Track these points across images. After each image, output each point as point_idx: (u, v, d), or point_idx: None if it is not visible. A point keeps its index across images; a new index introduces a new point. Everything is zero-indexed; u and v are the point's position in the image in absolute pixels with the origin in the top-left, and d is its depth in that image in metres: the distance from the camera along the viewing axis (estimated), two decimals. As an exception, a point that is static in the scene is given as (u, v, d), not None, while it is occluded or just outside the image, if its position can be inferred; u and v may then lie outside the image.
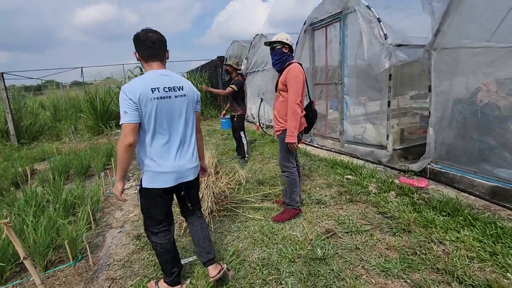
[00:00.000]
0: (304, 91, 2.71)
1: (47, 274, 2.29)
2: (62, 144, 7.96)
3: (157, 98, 1.62)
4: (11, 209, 3.18)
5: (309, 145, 5.62)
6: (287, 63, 2.68)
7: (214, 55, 10.58)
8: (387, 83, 3.87)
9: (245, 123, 8.99)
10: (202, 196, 3.20)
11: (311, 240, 2.43)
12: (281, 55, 2.70)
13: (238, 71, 4.98)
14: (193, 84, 7.49)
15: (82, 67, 9.08)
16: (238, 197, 3.33)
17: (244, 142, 4.88)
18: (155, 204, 1.77)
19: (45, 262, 2.34)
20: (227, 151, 5.83)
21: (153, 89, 1.62)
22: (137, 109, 1.59)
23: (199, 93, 1.93)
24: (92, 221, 2.90)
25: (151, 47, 1.71)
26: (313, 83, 5.47)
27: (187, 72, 12.60)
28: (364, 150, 4.38)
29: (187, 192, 1.91)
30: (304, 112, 2.83)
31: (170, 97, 1.69)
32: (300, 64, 2.69)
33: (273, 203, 3.17)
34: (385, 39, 3.70)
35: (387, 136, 4.01)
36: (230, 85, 4.73)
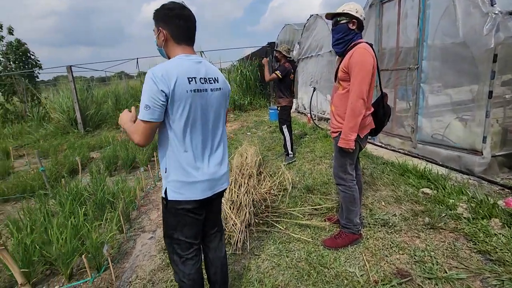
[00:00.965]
0: (374, 81, 2.01)
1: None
2: (119, 132, 8.39)
3: (194, 90, 1.26)
4: (55, 203, 3.19)
5: (370, 143, 4.76)
6: (353, 43, 2.01)
7: (267, 41, 10.01)
8: (490, 67, 2.85)
9: (296, 114, 8.37)
10: (240, 204, 2.76)
11: (376, 284, 1.80)
12: (346, 32, 2.02)
13: (287, 59, 4.39)
14: (243, 73, 7.20)
15: (137, 58, 9.41)
16: (281, 209, 2.80)
17: (287, 137, 4.34)
18: (184, 223, 1.39)
19: (70, 270, 2.18)
20: (274, 146, 5.32)
21: (190, 79, 1.26)
22: (164, 104, 1.21)
23: (230, 87, 1.52)
24: (123, 224, 2.69)
25: (190, 27, 1.34)
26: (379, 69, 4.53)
27: (238, 61, 12.30)
28: (446, 155, 3.42)
29: (214, 205, 1.54)
30: (371, 110, 2.14)
31: (206, 90, 1.32)
32: (371, 45, 1.99)
33: (324, 221, 2.57)
34: (491, 5, 2.68)
35: (484, 137, 3.00)
36: (275, 71, 4.19)
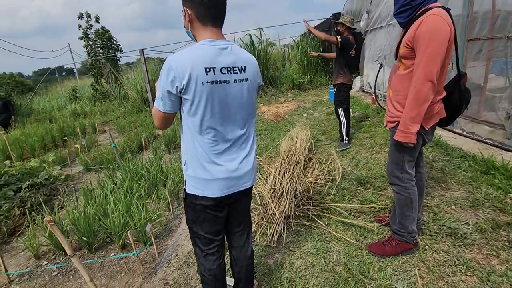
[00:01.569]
0: (449, 58, 1.57)
1: (115, 258, 2.36)
2: (182, 111, 8.97)
3: (211, 82, 1.15)
4: (121, 179, 3.57)
5: (446, 129, 4.00)
6: (422, 9, 1.57)
7: (332, 12, 9.19)
8: None
9: (360, 93, 7.59)
10: (282, 192, 2.64)
11: (428, 308, 1.50)
12: None
13: (352, 31, 3.88)
14: (304, 49, 6.71)
15: (199, 39, 9.66)
16: (325, 202, 2.57)
17: (343, 121, 3.91)
18: (203, 219, 1.35)
19: (122, 241, 2.42)
20: (329, 130, 4.94)
21: (208, 70, 1.14)
22: (175, 99, 1.17)
23: (261, 76, 1.39)
24: (169, 202, 2.85)
25: (215, 5, 1.18)
26: (466, 39, 3.66)
27: (300, 36, 11.64)
28: (556, 150, 2.62)
29: (239, 203, 1.44)
30: (443, 94, 1.70)
31: (228, 81, 1.19)
32: (447, 10, 1.53)
33: (374, 221, 2.26)
34: None
35: None
36: (337, 36, 3.73)
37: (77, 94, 13.43)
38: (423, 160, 2.04)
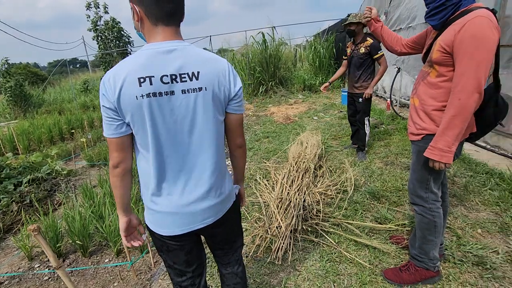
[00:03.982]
0: (491, 68, 1.36)
1: (107, 268, 2.23)
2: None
3: (148, 95, 0.91)
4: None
5: (470, 143, 3.73)
6: (461, 10, 1.37)
7: (347, 13, 8.87)
8: None
9: (373, 98, 7.31)
10: (289, 203, 2.46)
11: None
12: None
13: (366, 31, 3.61)
14: (316, 50, 6.15)
15: (210, 36, 9.50)
16: (335, 217, 2.38)
17: (368, 131, 3.63)
18: (167, 248, 1.14)
19: (117, 247, 2.28)
20: (341, 135, 4.72)
21: (142, 80, 0.91)
22: (115, 118, 0.94)
23: (239, 81, 1.07)
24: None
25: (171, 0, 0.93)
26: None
27: (314, 36, 11.37)
28: None
29: (212, 235, 1.20)
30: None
31: (173, 92, 0.94)
32: (494, 12, 1.32)
33: (390, 242, 2.06)
34: None
35: None
36: (375, 56, 3.31)
37: (88, 87, 13.49)
38: (446, 178, 1.83)
